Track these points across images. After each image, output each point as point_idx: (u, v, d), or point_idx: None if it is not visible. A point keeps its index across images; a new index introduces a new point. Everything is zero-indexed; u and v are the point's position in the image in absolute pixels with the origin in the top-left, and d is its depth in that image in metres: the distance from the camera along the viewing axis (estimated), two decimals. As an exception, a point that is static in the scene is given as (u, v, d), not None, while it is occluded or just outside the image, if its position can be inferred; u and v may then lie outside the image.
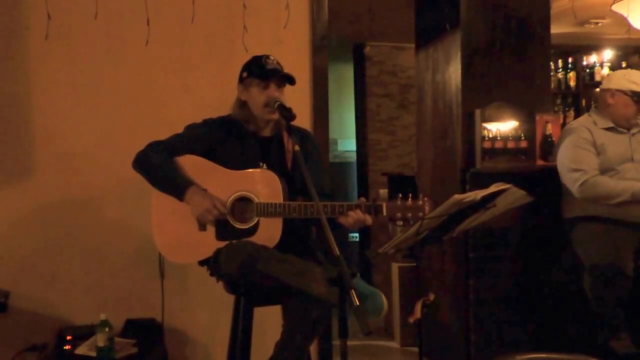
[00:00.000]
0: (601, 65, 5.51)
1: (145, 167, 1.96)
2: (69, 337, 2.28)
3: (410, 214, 1.78)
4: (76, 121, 2.56)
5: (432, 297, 2.42)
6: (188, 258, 2.00)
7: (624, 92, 2.61)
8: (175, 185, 1.92)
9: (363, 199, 1.82)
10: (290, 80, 1.99)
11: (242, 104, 2.02)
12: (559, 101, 5.47)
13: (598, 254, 2.45)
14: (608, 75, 2.75)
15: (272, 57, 2.00)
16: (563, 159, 2.63)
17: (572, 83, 5.50)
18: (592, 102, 2.85)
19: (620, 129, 2.64)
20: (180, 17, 2.62)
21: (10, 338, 2.42)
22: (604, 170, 2.57)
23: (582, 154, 2.57)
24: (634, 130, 2.65)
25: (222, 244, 1.88)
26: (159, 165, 1.94)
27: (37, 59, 2.52)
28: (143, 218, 2.08)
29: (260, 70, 1.96)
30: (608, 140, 2.60)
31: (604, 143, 2.59)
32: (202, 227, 1.94)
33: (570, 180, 2.58)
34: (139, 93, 2.61)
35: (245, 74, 2.00)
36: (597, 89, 2.81)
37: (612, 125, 2.64)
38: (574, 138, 2.62)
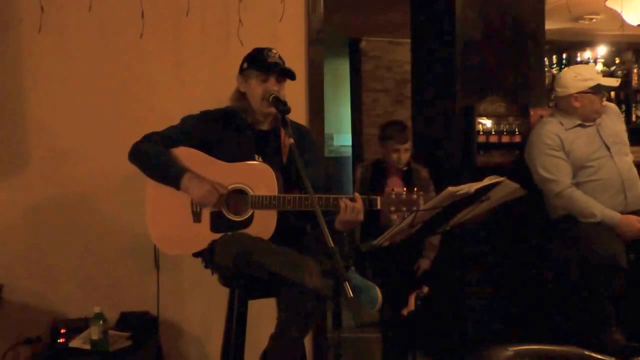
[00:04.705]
0: (595, 61, 5.53)
1: (140, 158, 1.96)
2: (63, 330, 2.27)
3: (404, 208, 1.79)
4: (70, 114, 2.55)
5: (425, 289, 2.44)
6: (183, 250, 1.99)
7: (584, 92, 2.65)
8: (170, 173, 1.91)
9: (357, 194, 1.83)
10: (291, 75, 1.98)
11: (240, 95, 2.01)
12: (553, 96, 5.49)
13: (593, 248, 2.48)
14: (560, 80, 2.74)
15: (274, 51, 1.98)
16: (535, 162, 2.68)
17: (566, 79, 5.53)
18: (551, 105, 2.90)
19: (587, 124, 2.68)
20: (175, 10, 2.61)
21: (4, 331, 2.42)
22: (579, 168, 2.61)
23: (553, 162, 2.62)
24: (599, 121, 2.70)
25: (216, 235, 1.89)
26: (153, 155, 1.93)
27: (30, 52, 2.50)
28: (137, 211, 2.07)
29: (260, 63, 1.95)
30: (578, 139, 2.65)
31: (573, 141, 2.64)
32: (197, 219, 1.94)
33: (544, 188, 2.66)
34: (133, 86, 2.60)
35: (245, 65, 1.99)
36: (558, 95, 2.79)
37: (579, 122, 2.68)
38: (542, 145, 2.66)
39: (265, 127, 2.04)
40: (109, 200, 2.57)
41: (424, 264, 2.67)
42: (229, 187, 1.92)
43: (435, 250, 2.69)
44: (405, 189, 1.80)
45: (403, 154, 2.68)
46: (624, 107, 5.29)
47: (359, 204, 1.79)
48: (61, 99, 2.54)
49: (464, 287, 2.92)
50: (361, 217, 1.80)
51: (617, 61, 5.45)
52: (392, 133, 2.69)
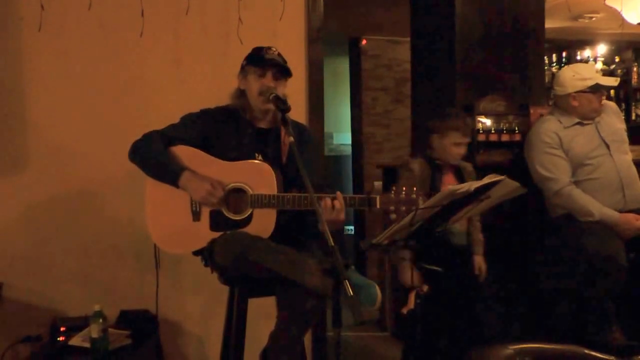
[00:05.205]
0: (595, 60, 5.53)
1: (139, 156, 1.96)
2: (62, 329, 2.27)
3: (404, 208, 1.79)
4: (70, 113, 2.55)
5: (425, 288, 2.43)
6: (182, 249, 2.00)
7: (583, 91, 2.65)
8: (169, 171, 1.91)
9: (339, 193, 1.81)
10: (287, 72, 1.99)
11: (240, 93, 2.03)
12: (552, 95, 5.49)
13: (593, 247, 2.48)
14: (558, 79, 2.73)
15: (273, 49, 2.01)
16: (534, 160, 2.68)
17: (566, 77, 5.53)
18: (550, 103, 2.91)
19: (586, 122, 2.69)
20: (175, 9, 2.61)
21: (4, 329, 2.42)
22: (578, 166, 2.62)
23: (552, 160, 2.63)
24: (598, 119, 2.71)
25: (216, 234, 1.89)
26: (152, 153, 1.94)
27: (30, 50, 2.50)
28: (137, 209, 2.08)
29: (257, 59, 1.97)
30: (576, 137, 2.66)
31: (572, 139, 2.64)
32: (196, 217, 1.94)
33: (543, 186, 2.66)
34: (133, 85, 2.60)
35: (244, 62, 2.02)
36: (556, 94, 2.79)
37: (578, 120, 2.69)
38: (540, 143, 2.66)
39: (265, 125, 2.04)
40: (109, 199, 2.57)
41: (482, 262, 2.53)
42: (229, 186, 1.92)
43: (483, 245, 2.55)
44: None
45: (464, 148, 2.42)
46: (623, 105, 5.29)
47: (338, 203, 1.78)
48: (61, 98, 2.54)
49: (464, 287, 2.91)
50: (341, 216, 1.80)
51: (617, 60, 5.45)
52: (457, 124, 2.38)
